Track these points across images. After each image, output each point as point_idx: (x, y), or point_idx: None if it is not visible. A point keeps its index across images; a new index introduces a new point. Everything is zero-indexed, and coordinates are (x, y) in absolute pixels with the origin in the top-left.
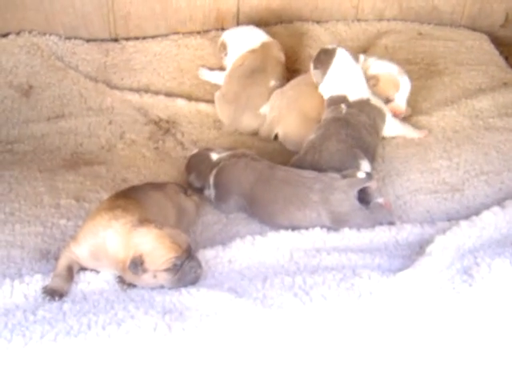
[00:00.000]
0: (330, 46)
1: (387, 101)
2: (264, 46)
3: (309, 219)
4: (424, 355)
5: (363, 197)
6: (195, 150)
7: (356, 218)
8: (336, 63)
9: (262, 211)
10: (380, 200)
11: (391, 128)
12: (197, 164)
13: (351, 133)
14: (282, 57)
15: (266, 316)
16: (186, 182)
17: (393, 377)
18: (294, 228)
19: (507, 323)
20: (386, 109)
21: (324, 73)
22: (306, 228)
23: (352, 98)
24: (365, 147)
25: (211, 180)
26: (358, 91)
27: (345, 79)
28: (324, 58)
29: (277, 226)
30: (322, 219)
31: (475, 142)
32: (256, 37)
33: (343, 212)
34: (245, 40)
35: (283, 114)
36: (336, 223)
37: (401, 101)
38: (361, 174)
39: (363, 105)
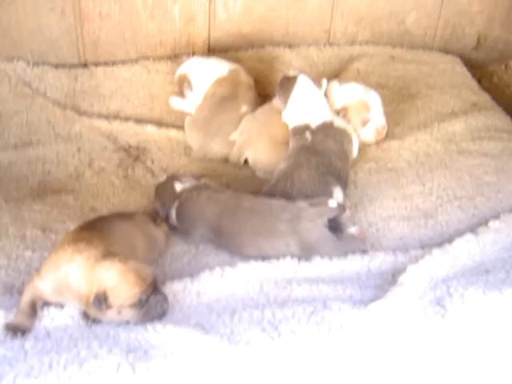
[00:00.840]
0: (291, 73)
1: (365, 122)
2: (232, 73)
3: (277, 249)
4: None
5: (336, 225)
6: (163, 178)
7: (325, 248)
8: (297, 91)
9: (229, 243)
10: (353, 229)
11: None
12: (161, 193)
13: (321, 160)
14: (251, 81)
15: (233, 354)
16: (155, 210)
17: None
18: (263, 258)
19: (479, 355)
20: (350, 129)
21: (286, 101)
22: (276, 258)
23: (315, 123)
24: (336, 173)
25: (173, 213)
26: (320, 116)
27: (306, 107)
28: (285, 85)
29: (246, 257)
30: (291, 249)
31: (448, 166)
32: (221, 64)
33: (312, 241)
34: (210, 70)
35: (253, 137)
36: (305, 253)
37: (378, 117)
38: (331, 203)
39: (327, 128)
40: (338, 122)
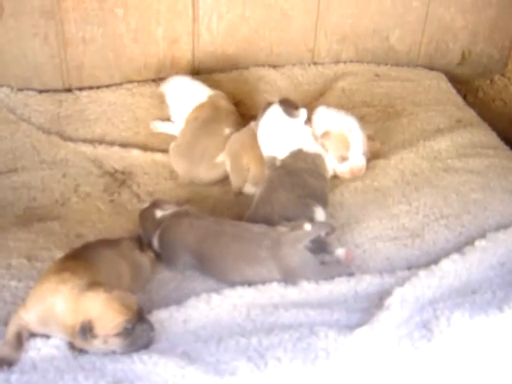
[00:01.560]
0: (271, 100)
1: (342, 159)
2: (211, 98)
3: (260, 275)
4: None
5: (323, 247)
6: (146, 204)
7: (307, 273)
8: (264, 122)
9: (213, 269)
10: (340, 251)
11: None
12: (143, 221)
13: (295, 180)
14: (232, 107)
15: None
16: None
17: None
18: (248, 284)
19: (466, 379)
20: (322, 151)
21: (256, 128)
22: (262, 283)
23: (282, 156)
24: (312, 192)
25: (155, 241)
26: (287, 147)
27: (273, 139)
28: (261, 112)
29: (230, 283)
30: (273, 275)
31: (434, 184)
32: (202, 91)
33: (293, 267)
34: (190, 96)
35: (246, 146)
36: (287, 277)
37: (356, 158)
38: (307, 226)
39: (297, 154)
40: (308, 147)
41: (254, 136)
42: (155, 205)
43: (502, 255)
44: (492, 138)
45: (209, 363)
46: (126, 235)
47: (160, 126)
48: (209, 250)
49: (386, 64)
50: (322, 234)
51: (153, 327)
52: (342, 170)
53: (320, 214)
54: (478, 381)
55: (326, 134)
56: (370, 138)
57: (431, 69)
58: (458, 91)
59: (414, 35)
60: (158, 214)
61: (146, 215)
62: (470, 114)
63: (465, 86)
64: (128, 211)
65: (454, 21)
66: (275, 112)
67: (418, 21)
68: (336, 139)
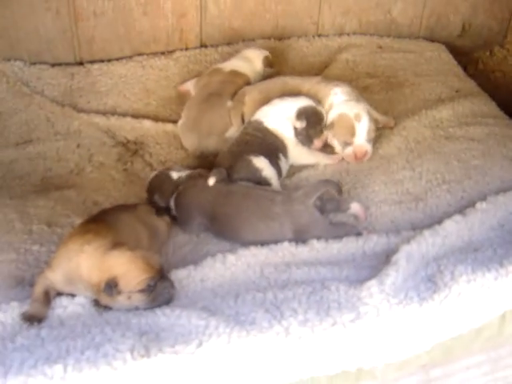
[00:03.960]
0: None
1: (346, 145)
2: (231, 72)
3: (271, 230)
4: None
5: (337, 205)
6: (154, 173)
7: (316, 230)
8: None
9: (225, 228)
10: (355, 204)
11: (298, 157)
12: (159, 185)
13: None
14: (242, 86)
15: (240, 332)
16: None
17: None
18: (257, 241)
19: (468, 327)
20: (287, 137)
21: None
22: (271, 240)
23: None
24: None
25: (172, 203)
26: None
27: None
28: None
29: (241, 241)
30: (284, 230)
31: (436, 151)
32: (234, 60)
33: (303, 223)
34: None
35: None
36: (297, 234)
37: (359, 144)
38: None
39: (255, 125)
40: (270, 124)
41: None
42: (167, 169)
43: (501, 217)
44: (492, 107)
45: (229, 315)
46: (141, 202)
47: (185, 84)
48: (222, 209)
49: (389, 36)
50: (332, 191)
51: (173, 285)
52: (346, 154)
53: (258, 161)
54: (480, 328)
55: (331, 124)
56: (376, 121)
57: (432, 41)
58: (459, 63)
59: (416, 8)
60: (175, 175)
61: (160, 179)
62: (470, 84)
63: (465, 57)
64: (141, 180)
65: None
66: None
67: None
68: (340, 127)
